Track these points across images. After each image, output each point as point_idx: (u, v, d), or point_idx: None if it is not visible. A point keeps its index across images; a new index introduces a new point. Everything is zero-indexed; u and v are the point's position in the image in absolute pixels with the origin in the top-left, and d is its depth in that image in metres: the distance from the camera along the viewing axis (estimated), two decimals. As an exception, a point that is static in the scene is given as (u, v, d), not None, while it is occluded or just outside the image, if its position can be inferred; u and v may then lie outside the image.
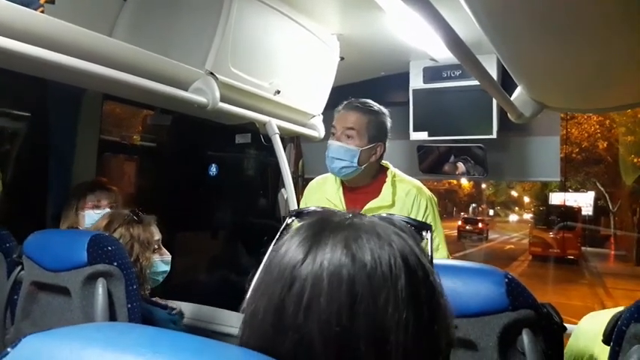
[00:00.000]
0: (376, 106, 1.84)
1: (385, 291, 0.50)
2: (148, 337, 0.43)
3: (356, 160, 1.78)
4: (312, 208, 0.67)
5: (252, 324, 0.53)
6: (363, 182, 1.86)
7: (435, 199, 1.91)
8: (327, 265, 0.51)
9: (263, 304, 0.53)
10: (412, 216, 1.78)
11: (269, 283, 0.53)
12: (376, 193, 1.82)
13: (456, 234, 23.46)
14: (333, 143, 1.82)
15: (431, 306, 0.53)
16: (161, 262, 1.60)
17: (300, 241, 0.54)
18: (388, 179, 1.84)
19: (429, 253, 0.59)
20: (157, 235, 1.61)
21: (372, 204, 1.79)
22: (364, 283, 0.50)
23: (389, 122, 1.86)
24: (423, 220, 1.77)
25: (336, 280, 0.50)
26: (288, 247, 0.55)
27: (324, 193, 1.89)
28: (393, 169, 1.89)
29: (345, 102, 1.87)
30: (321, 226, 0.55)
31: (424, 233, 0.63)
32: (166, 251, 1.63)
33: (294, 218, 0.65)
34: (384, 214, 0.61)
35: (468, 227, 23.53)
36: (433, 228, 1.83)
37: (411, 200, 1.81)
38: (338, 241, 0.53)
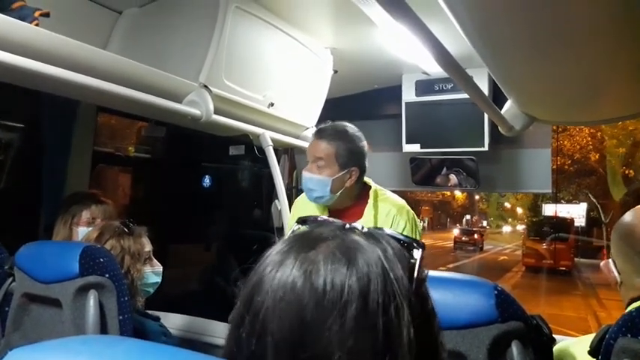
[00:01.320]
0: (346, 130, 1.81)
1: (332, 319, 0.48)
2: (134, 350, 0.44)
3: (328, 189, 1.77)
4: (319, 217, 0.64)
5: (227, 337, 0.54)
6: (345, 205, 1.84)
7: (416, 218, 1.89)
8: (281, 286, 0.50)
9: (232, 317, 0.53)
10: None
11: (242, 294, 0.54)
12: (359, 214, 1.80)
13: (452, 244, 23.73)
14: (305, 174, 1.82)
15: (388, 335, 0.50)
16: (152, 274, 1.60)
17: (274, 253, 0.54)
18: (370, 200, 1.83)
19: (415, 274, 0.55)
20: (148, 247, 1.61)
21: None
22: (312, 308, 0.49)
23: (362, 144, 1.82)
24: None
25: (286, 303, 0.50)
26: (267, 256, 0.55)
27: (311, 211, 1.86)
28: (375, 187, 1.88)
29: (316, 129, 1.86)
30: (296, 242, 0.55)
31: (414, 252, 0.57)
32: (157, 262, 1.63)
33: (299, 226, 0.64)
34: (375, 228, 0.59)
35: (464, 238, 23.95)
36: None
37: (390, 221, 1.79)
38: (298, 261, 0.52)
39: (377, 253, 0.53)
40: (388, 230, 0.59)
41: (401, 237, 0.58)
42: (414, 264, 0.56)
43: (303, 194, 1.99)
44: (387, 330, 0.49)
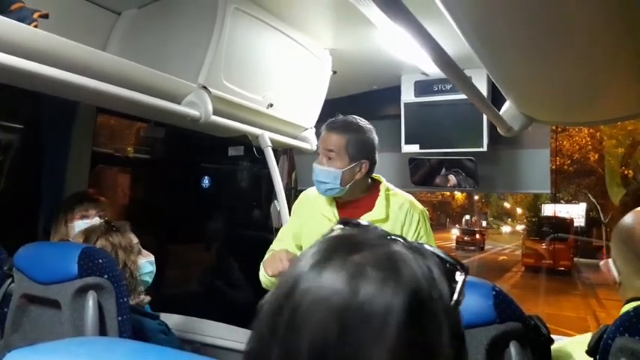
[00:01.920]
0: (358, 122, 1.82)
1: (371, 341, 0.48)
2: (131, 352, 0.44)
3: (339, 181, 1.77)
4: (359, 221, 0.63)
5: (256, 320, 0.54)
6: (355, 197, 1.85)
7: (427, 212, 1.92)
8: (325, 288, 0.50)
9: (267, 305, 0.53)
10: (405, 228, 1.79)
11: (279, 284, 0.55)
12: (369, 206, 1.82)
13: (452, 245, 24.15)
14: (315, 167, 1.82)
15: (426, 353, 0.50)
16: (147, 263, 1.64)
17: (314, 252, 0.54)
18: (381, 193, 1.84)
19: (455, 297, 0.54)
20: (135, 239, 1.64)
21: (365, 217, 1.79)
22: (353, 313, 0.49)
23: (373, 137, 1.83)
24: (412, 233, 1.79)
25: (330, 311, 0.49)
26: (305, 254, 0.55)
27: (318, 207, 1.89)
28: (385, 183, 1.90)
29: (328, 121, 1.86)
30: (339, 244, 0.55)
31: (457, 275, 0.55)
32: (148, 252, 1.67)
33: (341, 226, 0.63)
34: (425, 247, 0.57)
35: (465, 238, 24.45)
36: (424, 241, 1.83)
37: (404, 213, 1.81)
38: (345, 270, 0.51)
39: (423, 269, 0.53)
40: (432, 248, 0.58)
41: (446, 257, 0.57)
42: (455, 287, 0.55)
43: (310, 190, 1.99)
44: (426, 348, 0.50)
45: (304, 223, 1.86)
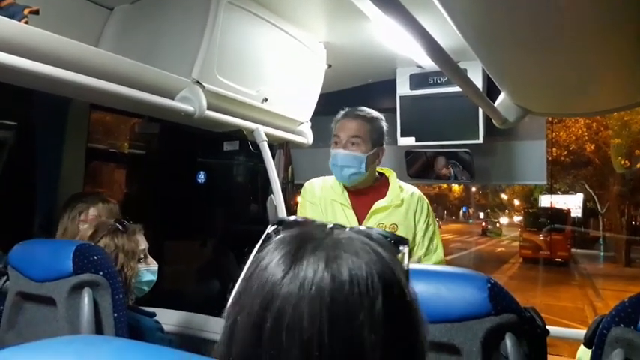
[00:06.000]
0: (373, 112, 1.94)
1: (362, 312, 0.51)
2: (118, 350, 0.44)
3: (363, 165, 1.86)
4: (293, 218, 0.65)
5: (233, 337, 0.54)
6: (367, 184, 1.93)
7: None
8: (308, 285, 0.51)
9: (243, 318, 0.53)
10: (417, 215, 1.90)
11: (248, 296, 0.54)
12: (380, 193, 1.91)
13: (481, 231, 30.82)
14: (339, 152, 1.88)
15: (406, 324, 0.55)
16: (147, 272, 1.59)
17: (280, 256, 0.54)
18: (393, 181, 1.94)
19: (405, 267, 0.59)
20: (143, 244, 1.60)
21: (380, 203, 1.87)
22: (342, 304, 0.51)
23: (385, 126, 1.96)
24: (422, 220, 1.90)
25: (317, 301, 0.51)
26: (269, 261, 0.55)
27: (330, 196, 1.94)
28: (393, 173, 1.99)
29: (343, 111, 1.94)
30: (302, 241, 0.56)
31: (401, 247, 0.62)
32: (153, 260, 1.62)
33: (276, 226, 0.65)
34: (363, 228, 0.61)
35: (489, 227, 31.52)
36: (432, 229, 1.90)
37: (415, 201, 1.92)
38: (318, 260, 0.53)
39: (377, 249, 0.56)
40: (374, 228, 0.62)
41: (388, 234, 0.62)
42: (403, 257, 0.60)
43: (316, 180, 1.99)
44: (404, 318, 0.54)
45: (322, 210, 1.88)
